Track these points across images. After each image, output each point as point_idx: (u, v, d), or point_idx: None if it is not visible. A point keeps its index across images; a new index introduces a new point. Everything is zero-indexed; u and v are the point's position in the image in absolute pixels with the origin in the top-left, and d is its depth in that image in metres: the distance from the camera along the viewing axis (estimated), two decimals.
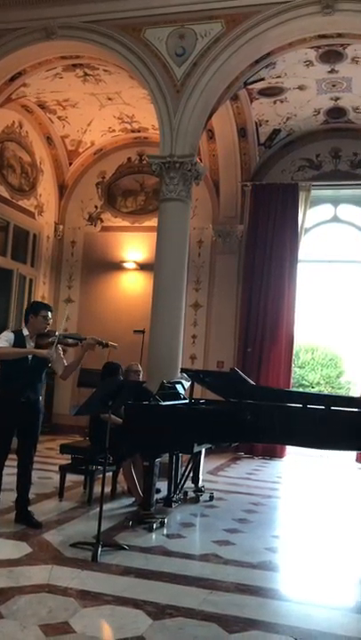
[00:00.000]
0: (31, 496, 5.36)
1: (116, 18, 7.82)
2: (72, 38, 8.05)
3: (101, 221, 11.53)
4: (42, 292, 11.26)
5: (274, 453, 9.70)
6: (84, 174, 11.70)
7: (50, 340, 4.79)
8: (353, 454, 9.59)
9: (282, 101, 9.59)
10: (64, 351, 5.06)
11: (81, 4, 7.89)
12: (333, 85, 9.11)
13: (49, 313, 4.90)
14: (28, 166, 10.74)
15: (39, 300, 11.00)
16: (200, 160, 8.27)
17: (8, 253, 10.29)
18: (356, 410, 5.75)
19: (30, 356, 4.76)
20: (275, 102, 9.62)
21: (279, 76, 8.87)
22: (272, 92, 9.35)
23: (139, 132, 11.09)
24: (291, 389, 9.83)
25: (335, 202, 10.61)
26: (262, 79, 8.85)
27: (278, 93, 9.38)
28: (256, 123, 10.09)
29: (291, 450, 9.79)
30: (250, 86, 9.02)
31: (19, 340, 4.77)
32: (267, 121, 10.09)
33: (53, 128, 10.91)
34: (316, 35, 7.62)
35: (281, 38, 7.55)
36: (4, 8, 8.11)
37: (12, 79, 8.74)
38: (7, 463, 4.91)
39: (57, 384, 11.05)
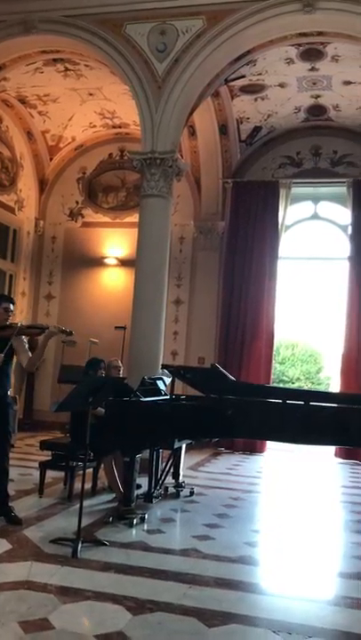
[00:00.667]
0: (11, 492, 5.34)
1: (98, 12, 7.78)
2: (52, 32, 8.00)
3: (82, 217, 11.48)
4: (22, 288, 11.19)
5: (254, 448, 9.77)
6: (65, 170, 11.64)
7: (9, 331, 4.76)
8: (332, 449, 9.69)
9: (263, 99, 9.62)
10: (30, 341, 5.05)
11: None
12: (314, 83, 9.17)
13: (10, 305, 4.90)
14: (8, 161, 10.65)
15: (18, 296, 10.94)
16: (181, 156, 8.28)
17: None
18: (335, 405, 5.82)
19: None
20: (256, 99, 9.65)
21: (260, 74, 8.91)
22: (253, 90, 9.39)
23: (120, 127, 11.05)
24: (271, 385, 9.90)
25: (315, 199, 10.69)
26: (243, 76, 8.88)
27: (259, 91, 9.41)
28: (237, 120, 10.11)
29: (271, 445, 9.87)
30: (231, 83, 9.05)
31: None
32: (248, 118, 10.13)
33: (34, 123, 10.83)
34: (297, 33, 7.67)
35: (262, 36, 7.58)
36: None
37: None
38: None
39: (37, 380, 11.02)
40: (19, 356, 4.88)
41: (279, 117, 10.14)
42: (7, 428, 4.89)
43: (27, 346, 4.96)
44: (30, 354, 4.95)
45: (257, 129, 10.39)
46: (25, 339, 4.96)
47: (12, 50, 8.33)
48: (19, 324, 4.84)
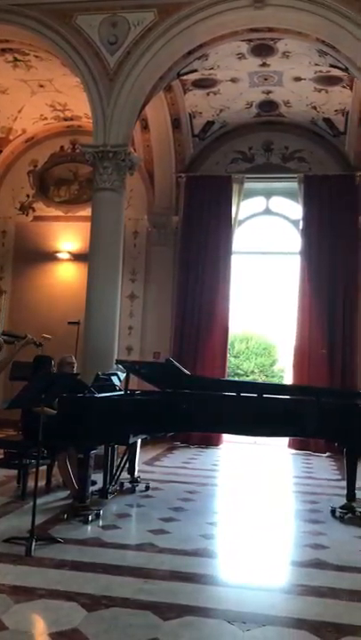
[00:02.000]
0: None
1: (47, 2, 7.66)
2: (0, 22, 7.81)
3: (33, 211, 11.29)
4: None
5: (210, 442, 9.84)
6: (15, 162, 11.41)
7: None
8: (285, 440, 9.85)
9: (215, 93, 9.66)
10: None
11: None
12: (265, 79, 9.25)
13: None
14: None
15: None
16: (134, 150, 8.23)
17: None
18: (287, 397, 5.92)
19: None
20: (208, 94, 9.68)
21: (212, 68, 8.93)
22: (205, 84, 9.41)
23: (72, 120, 10.91)
24: (225, 379, 9.99)
25: (268, 194, 10.81)
26: (195, 70, 8.89)
27: (211, 85, 9.44)
28: (190, 114, 10.12)
29: (226, 438, 9.97)
30: (183, 77, 9.04)
31: None
32: (200, 112, 10.15)
33: None
34: (248, 28, 7.73)
35: (213, 30, 7.61)
36: None
37: None
38: None
39: None
40: None
41: (231, 112, 10.20)
42: None
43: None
44: None
45: (209, 123, 10.43)
46: None
47: None
48: None
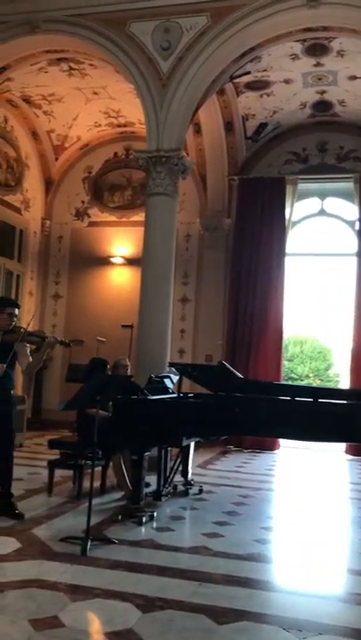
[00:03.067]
0: (20, 491, 5.39)
1: (102, 11, 7.79)
2: (56, 32, 8.01)
3: (88, 216, 11.50)
4: (29, 288, 11.22)
5: (263, 446, 9.74)
6: (71, 169, 11.66)
7: (13, 336, 4.79)
8: (342, 446, 9.66)
9: (268, 95, 9.59)
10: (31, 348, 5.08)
11: None
12: (319, 79, 9.13)
13: (15, 310, 4.91)
14: (14, 161, 10.67)
15: (26, 296, 10.97)
16: (187, 154, 8.26)
17: None
18: (344, 402, 5.80)
19: None
20: (261, 96, 9.62)
21: (265, 70, 8.88)
22: (258, 86, 9.36)
23: (125, 126, 11.05)
24: (279, 382, 9.87)
25: (322, 195, 10.65)
26: (248, 73, 8.85)
27: (264, 87, 9.38)
28: (243, 116, 10.09)
29: (280, 443, 9.86)
30: (236, 80, 9.02)
31: None
32: (253, 115, 10.10)
33: (39, 123, 10.85)
34: (302, 28, 7.64)
35: (266, 32, 7.56)
36: None
37: None
38: None
39: (46, 380, 11.05)
40: (20, 359, 4.90)
41: (285, 113, 10.10)
42: (10, 425, 4.93)
43: (29, 350, 4.98)
44: (31, 359, 4.96)
45: (263, 125, 10.36)
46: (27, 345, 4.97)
47: (16, 50, 8.35)
48: (22, 330, 4.85)
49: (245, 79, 9.10)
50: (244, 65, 8.38)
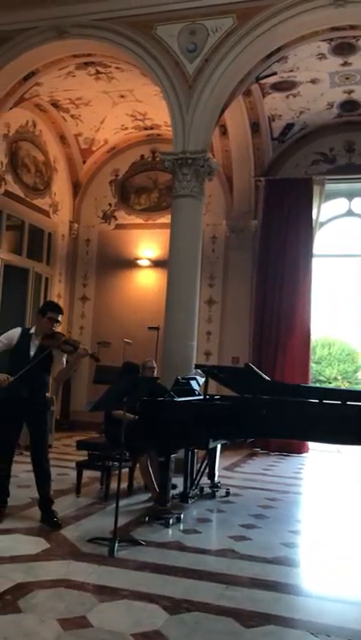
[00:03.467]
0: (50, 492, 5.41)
1: (127, 15, 7.83)
2: (84, 37, 8.09)
3: (115, 219, 11.57)
4: (57, 291, 11.34)
5: (290, 449, 9.68)
6: (98, 172, 11.76)
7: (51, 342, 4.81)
8: None
9: (295, 95, 9.54)
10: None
11: (92, 3, 7.92)
12: (347, 78, 9.04)
13: (58, 316, 4.89)
14: (42, 165, 10.81)
15: (54, 298, 11.08)
16: (213, 156, 8.25)
17: (24, 252, 10.38)
18: None
19: (32, 352, 4.79)
20: (287, 96, 9.57)
21: (291, 70, 8.83)
22: (285, 87, 9.31)
23: (151, 129, 11.10)
24: (307, 384, 9.79)
25: (350, 195, 10.55)
26: (274, 73, 8.82)
27: (291, 87, 9.33)
28: (269, 117, 10.05)
29: (309, 446, 9.79)
30: (262, 81, 8.99)
31: (23, 338, 4.82)
32: (280, 115, 10.05)
33: (67, 126, 10.96)
34: (329, 27, 7.58)
35: (293, 32, 7.52)
36: (16, 8, 8.17)
37: (25, 79, 8.82)
38: (26, 460, 4.96)
39: (74, 382, 11.15)
40: (54, 365, 4.91)
41: (312, 114, 10.03)
42: (44, 429, 4.93)
43: (63, 359, 4.98)
44: (64, 366, 4.97)
45: (289, 126, 10.31)
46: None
47: (44, 55, 8.46)
48: (62, 338, 4.83)
49: (272, 80, 9.07)
50: (270, 65, 8.34)
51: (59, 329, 5.00)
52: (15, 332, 4.89)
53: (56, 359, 4.88)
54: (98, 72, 9.29)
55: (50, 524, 4.65)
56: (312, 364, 14.39)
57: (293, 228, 10.10)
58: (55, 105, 10.41)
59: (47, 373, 4.93)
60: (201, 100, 7.56)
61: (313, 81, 9.14)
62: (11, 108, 9.21)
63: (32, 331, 4.89)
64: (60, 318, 4.92)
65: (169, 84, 7.67)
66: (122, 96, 10.05)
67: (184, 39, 7.64)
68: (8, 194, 9.85)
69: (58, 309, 4.99)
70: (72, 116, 10.73)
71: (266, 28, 7.32)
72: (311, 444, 9.78)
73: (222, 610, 3.26)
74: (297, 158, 10.60)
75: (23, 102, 9.47)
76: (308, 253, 10.07)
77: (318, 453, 9.71)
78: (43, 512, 4.76)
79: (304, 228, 10.09)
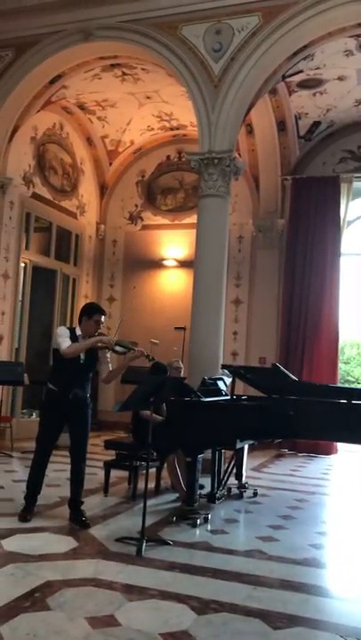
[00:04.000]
0: None
1: (153, 16, 7.86)
2: (110, 39, 8.14)
3: (142, 220, 11.62)
4: (85, 292, 11.43)
5: (318, 450, 9.60)
6: (124, 173, 11.82)
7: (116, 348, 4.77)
8: None
9: (321, 93, 9.45)
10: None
11: (117, 5, 7.96)
12: None
13: (103, 318, 4.87)
14: (70, 167, 10.90)
15: (81, 299, 11.17)
16: (239, 155, 8.22)
17: (52, 253, 10.49)
18: None
19: (83, 356, 4.78)
20: (314, 94, 9.49)
21: (318, 68, 8.75)
22: (311, 84, 9.23)
23: (177, 129, 11.12)
24: (335, 385, 9.69)
25: None
26: (301, 71, 8.75)
27: (317, 85, 9.25)
28: (295, 115, 9.97)
29: (338, 447, 9.69)
30: (288, 79, 8.92)
31: (72, 339, 4.78)
32: (306, 113, 9.97)
33: (93, 128, 11.05)
34: (356, 23, 7.47)
35: (319, 29, 7.45)
36: (43, 13, 8.26)
37: (52, 82, 8.90)
38: (55, 460, 5.02)
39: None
40: (100, 366, 4.90)
41: (339, 111, 9.93)
42: (86, 430, 4.90)
43: (109, 359, 4.95)
44: (111, 368, 4.97)
45: (316, 124, 10.21)
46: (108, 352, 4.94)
47: (71, 58, 8.54)
48: (113, 340, 4.78)
49: (298, 78, 9.00)
50: (296, 64, 8.28)
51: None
52: (66, 330, 4.84)
53: (101, 360, 4.88)
54: (124, 74, 9.34)
55: (79, 523, 4.68)
56: (341, 364, 14.25)
57: (321, 226, 10.01)
58: (82, 107, 10.50)
59: (90, 376, 4.94)
60: (227, 100, 7.54)
61: (340, 78, 9.05)
62: (38, 111, 9.31)
63: (78, 332, 4.85)
64: (103, 320, 4.91)
65: (195, 84, 7.67)
66: (148, 97, 10.09)
67: (210, 39, 7.63)
68: (36, 196, 9.97)
69: (103, 312, 4.95)
70: (98, 118, 10.80)
71: (292, 25, 7.27)
72: (340, 445, 9.68)
73: (250, 611, 3.25)
74: (324, 156, 10.50)
75: (50, 105, 9.58)
76: (335, 252, 9.97)
77: (347, 454, 9.61)
78: (72, 511, 4.80)
79: (331, 227, 10.00)
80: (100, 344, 4.75)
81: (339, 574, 4.13)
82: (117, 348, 4.80)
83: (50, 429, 4.88)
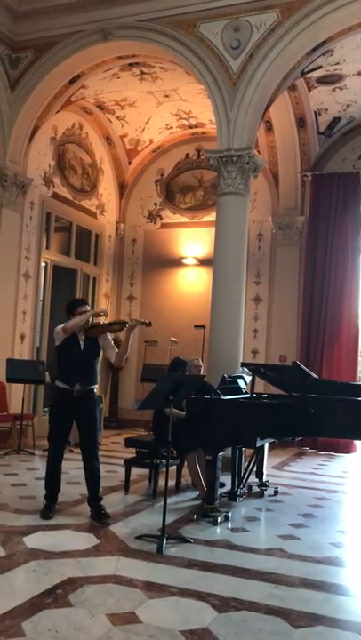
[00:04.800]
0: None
1: (171, 15, 7.86)
2: (128, 38, 8.15)
3: (161, 218, 11.63)
4: (105, 290, 11.49)
5: (339, 449, 9.53)
6: (144, 172, 11.84)
7: (93, 331, 4.92)
8: None
9: (341, 89, 9.36)
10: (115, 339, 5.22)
11: (135, 4, 7.97)
12: None
13: (86, 307, 5.05)
14: (89, 167, 10.96)
15: (102, 298, 11.23)
16: (258, 152, 8.19)
17: (72, 253, 10.55)
18: None
19: (82, 345, 4.91)
20: (334, 90, 9.41)
21: (337, 63, 8.67)
22: (331, 80, 9.15)
23: (196, 127, 11.10)
24: (356, 382, 9.62)
25: None
26: (320, 67, 8.67)
27: (337, 81, 9.16)
28: (315, 112, 9.90)
29: (355, 445, 9.62)
30: (307, 75, 8.86)
31: (71, 336, 4.92)
32: (326, 109, 9.89)
33: (112, 128, 11.08)
34: None
35: (338, 24, 7.38)
36: (61, 14, 8.32)
37: (71, 82, 8.95)
38: (77, 457, 5.05)
39: (122, 380, 11.27)
40: (106, 352, 5.04)
41: (359, 107, 9.83)
42: (95, 424, 5.01)
43: (112, 342, 5.10)
44: (117, 350, 5.07)
45: (336, 120, 10.13)
46: (110, 335, 5.09)
47: (89, 58, 8.58)
48: (105, 323, 5.00)
49: (317, 74, 8.93)
50: (315, 59, 8.22)
51: None
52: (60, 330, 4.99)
53: (105, 346, 5.01)
54: (142, 72, 9.36)
55: (99, 518, 4.72)
56: None
57: (341, 223, 9.93)
58: (101, 107, 10.54)
59: (96, 368, 5.02)
60: (245, 97, 7.52)
61: (360, 73, 8.95)
62: (57, 112, 9.37)
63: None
64: (88, 309, 5.05)
65: (213, 82, 7.65)
66: (166, 95, 10.09)
67: (228, 36, 7.61)
68: (56, 196, 10.04)
69: (84, 302, 5.20)
70: (117, 118, 10.84)
71: (311, 21, 7.22)
72: (359, 443, 9.60)
73: (271, 609, 3.25)
74: (344, 152, 10.40)
75: (69, 105, 9.63)
76: (356, 249, 9.89)
77: None
78: (92, 508, 4.84)
79: (352, 223, 9.92)
80: (93, 317, 4.91)
81: (359, 573, 4.10)
82: (113, 327, 5.00)
83: (59, 427, 4.95)
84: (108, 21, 8.08)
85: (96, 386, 5.08)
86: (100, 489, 4.99)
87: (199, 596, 3.37)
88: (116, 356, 5.03)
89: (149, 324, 5.03)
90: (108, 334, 5.05)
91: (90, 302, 10.90)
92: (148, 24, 7.95)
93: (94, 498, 4.87)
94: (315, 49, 7.77)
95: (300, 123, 9.91)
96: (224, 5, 7.61)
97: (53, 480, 4.94)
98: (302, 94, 9.46)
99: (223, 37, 7.63)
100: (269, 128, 9.90)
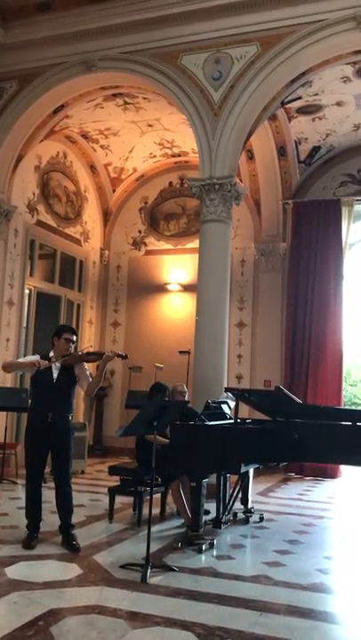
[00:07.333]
0: (82, 518, 5.44)
1: (153, 47, 8.03)
2: (111, 69, 8.30)
3: (145, 245, 11.72)
4: (89, 317, 11.48)
5: (325, 474, 9.51)
6: (128, 200, 11.95)
7: (70, 359, 4.91)
8: None
9: (320, 118, 9.58)
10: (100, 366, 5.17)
11: (118, 36, 8.13)
12: None
13: (73, 336, 5.03)
14: (73, 195, 11.04)
15: (86, 324, 11.21)
16: (240, 180, 8.32)
17: (56, 280, 10.56)
18: None
19: (55, 375, 4.89)
20: (313, 119, 9.63)
21: (316, 94, 8.89)
22: (310, 110, 9.37)
23: (179, 156, 11.27)
24: (339, 407, 9.64)
25: None
26: (299, 98, 8.89)
27: (316, 111, 9.39)
28: (295, 141, 10.11)
29: (342, 470, 9.60)
30: (287, 105, 9.07)
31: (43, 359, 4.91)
32: (306, 138, 10.10)
33: (96, 157, 11.21)
34: (352, 51, 7.61)
35: (316, 56, 7.59)
36: (46, 45, 8.45)
37: (55, 112, 9.06)
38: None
39: (106, 407, 11.20)
40: (80, 381, 5.02)
41: (338, 136, 10.06)
42: (68, 453, 4.97)
43: (88, 372, 5.08)
44: (91, 379, 5.06)
45: (316, 149, 10.34)
46: (87, 365, 5.09)
47: (73, 88, 8.71)
48: (79, 352, 4.99)
49: (297, 104, 9.14)
50: (295, 90, 8.42)
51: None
52: (32, 357, 5.00)
53: (80, 376, 4.98)
54: (126, 103, 9.51)
55: (69, 547, 4.68)
56: (348, 387, 14.20)
57: (323, 249, 10.07)
58: (85, 136, 10.67)
59: (71, 397, 5.00)
60: (227, 127, 7.66)
61: (338, 103, 9.19)
62: (41, 141, 9.47)
63: (51, 354, 4.99)
64: (74, 339, 5.02)
65: (195, 112, 7.80)
66: (149, 125, 10.25)
67: (209, 68, 7.78)
68: (40, 223, 10.08)
69: (73, 330, 5.16)
70: (101, 146, 10.97)
71: (289, 54, 7.41)
72: (344, 468, 9.60)
73: (257, 637, 3.20)
74: (324, 180, 10.60)
75: (54, 134, 9.73)
76: (338, 275, 10.01)
77: (352, 477, 9.50)
78: (63, 536, 4.80)
79: (334, 250, 10.05)
80: (38, 366, 4.83)
81: (347, 600, 4.06)
82: (90, 357, 4.97)
83: (34, 456, 4.91)
84: (92, 53, 8.23)
85: (71, 414, 5.04)
86: (84, 517, 4.92)
87: (184, 625, 3.32)
88: (88, 385, 5.02)
89: (126, 357, 5.10)
90: (84, 364, 5.04)
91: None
92: (132, 56, 8.11)
93: (65, 525, 4.82)
94: (294, 80, 7.97)
95: (281, 151, 10.11)
96: (205, 38, 7.79)
97: (33, 509, 4.88)
98: (283, 124, 9.66)
99: (205, 69, 7.80)
100: (251, 157, 10.07)
